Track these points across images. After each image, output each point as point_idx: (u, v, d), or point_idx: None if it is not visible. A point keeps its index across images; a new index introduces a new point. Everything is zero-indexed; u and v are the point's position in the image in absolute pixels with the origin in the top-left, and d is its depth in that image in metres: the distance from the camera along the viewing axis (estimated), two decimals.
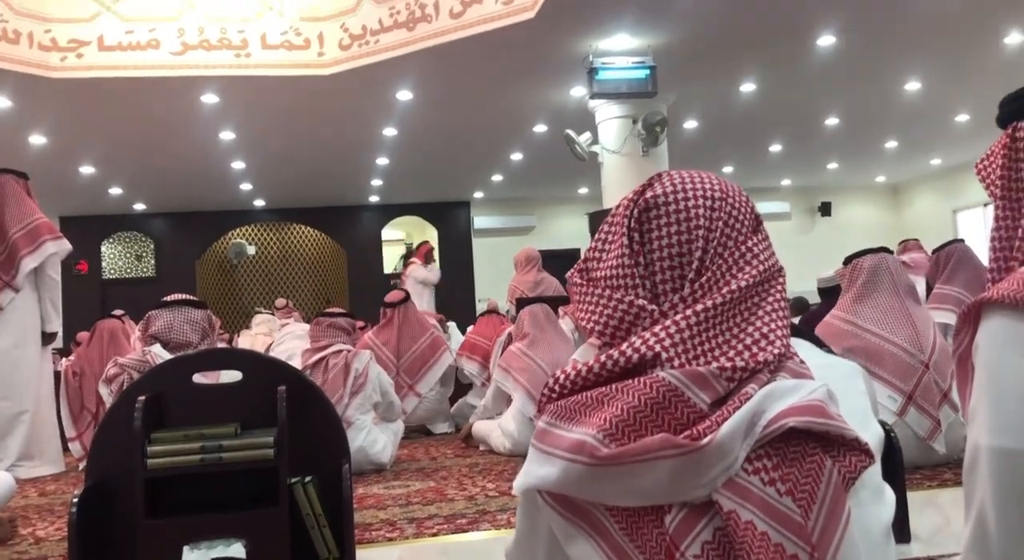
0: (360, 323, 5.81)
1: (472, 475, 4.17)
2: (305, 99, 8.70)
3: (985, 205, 14.00)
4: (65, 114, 8.73)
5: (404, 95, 8.79)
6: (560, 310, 5.89)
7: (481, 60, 7.84)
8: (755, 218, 1.08)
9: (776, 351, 0.98)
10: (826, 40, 7.82)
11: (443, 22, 7.42)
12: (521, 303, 5.57)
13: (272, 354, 5.87)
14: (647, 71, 7.63)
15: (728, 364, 0.95)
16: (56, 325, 5.29)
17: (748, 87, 9.25)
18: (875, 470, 0.97)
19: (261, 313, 9.66)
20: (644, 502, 0.92)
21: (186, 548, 2.20)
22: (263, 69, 8.07)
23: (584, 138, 8.51)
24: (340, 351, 4.50)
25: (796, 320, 5.65)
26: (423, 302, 8.86)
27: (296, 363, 4.51)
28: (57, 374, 5.58)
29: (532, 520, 1.06)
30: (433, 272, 9.20)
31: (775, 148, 12.64)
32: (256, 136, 10.06)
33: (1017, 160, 1.27)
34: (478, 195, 15.10)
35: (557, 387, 1.00)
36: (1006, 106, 1.32)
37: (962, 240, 5.03)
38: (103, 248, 14.65)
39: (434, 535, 2.99)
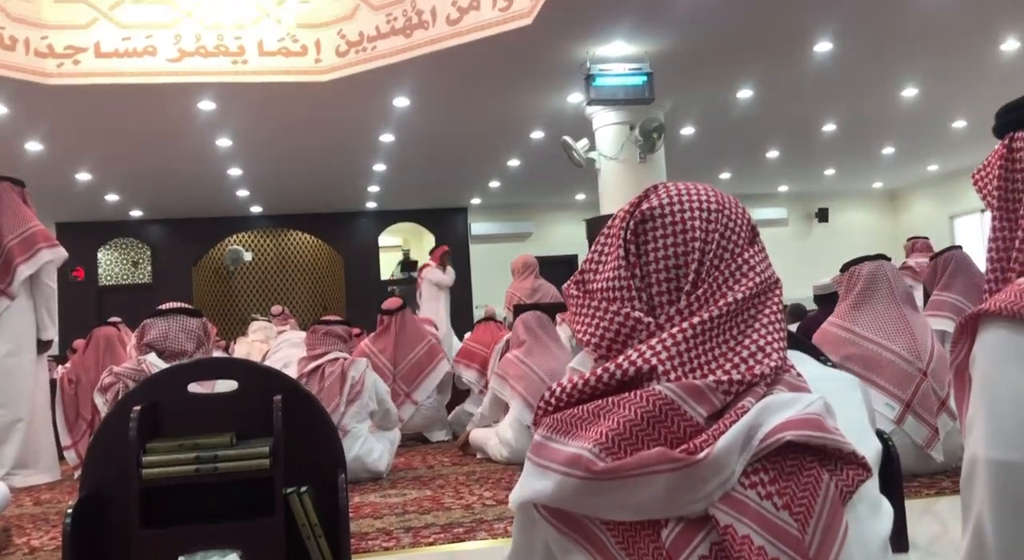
0: (356, 330, 5.80)
1: (469, 483, 4.15)
2: (302, 106, 8.70)
3: (982, 211, 14.02)
4: (61, 121, 8.72)
5: (401, 101, 8.80)
6: (558, 317, 5.88)
7: (478, 66, 7.85)
8: (751, 230, 1.08)
9: (773, 364, 0.97)
10: (823, 47, 7.84)
11: (440, 28, 7.43)
12: (519, 310, 5.56)
13: (268, 362, 5.87)
14: (644, 77, 7.64)
15: (724, 377, 0.94)
16: (52, 333, 5.28)
17: (745, 93, 9.27)
18: (872, 484, 0.96)
19: (258, 320, 9.66)
20: (640, 516, 0.91)
21: (181, 558, 2.19)
22: (260, 76, 8.08)
23: (581, 144, 8.52)
24: (336, 359, 4.49)
25: (794, 327, 5.67)
26: (439, 305, 8.73)
27: (292, 371, 4.49)
28: (53, 382, 5.56)
29: (528, 534, 1.05)
30: (449, 275, 9.08)
31: (772, 154, 12.66)
32: (253, 143, 10.06)
33: (1013, 171, 1.27)
34: (475, 201, 15.11)
35: (553, 400, 1.00)
36: (1002, 117, 1.32)
37: (959, 247, 5.04)
38: (99, 255, 14.64)
39: (431, 544, 2.98)
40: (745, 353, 0.98)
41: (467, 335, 6.73)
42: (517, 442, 4.59)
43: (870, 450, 0.98)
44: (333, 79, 8.07)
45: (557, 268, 11.62)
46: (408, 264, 15.43)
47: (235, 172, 11.53)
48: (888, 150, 12.89)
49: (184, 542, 2.22)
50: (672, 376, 0.95)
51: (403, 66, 7.78)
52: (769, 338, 0.99)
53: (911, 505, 2.79)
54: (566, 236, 14.94)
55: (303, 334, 5.64)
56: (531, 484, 0.96)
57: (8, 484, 4.05)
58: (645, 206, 1.06)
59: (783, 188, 15.65)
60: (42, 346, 5.24)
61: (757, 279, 1.03)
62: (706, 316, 0.98)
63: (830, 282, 6.67)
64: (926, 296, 4.88)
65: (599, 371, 0.97)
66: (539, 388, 4.56)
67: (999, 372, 1.07)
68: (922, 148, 12.85)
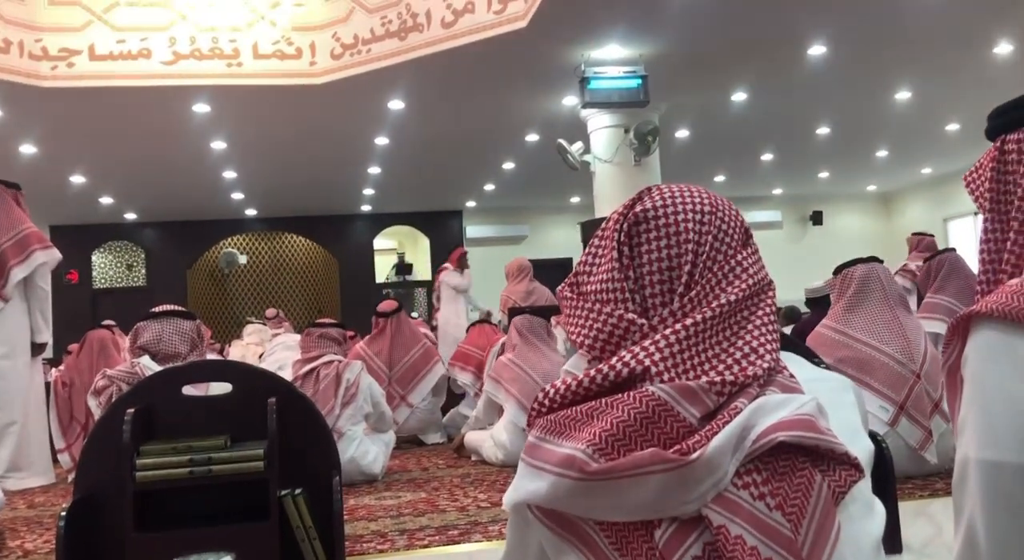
0: (350, 333, 5.79)
1: (464, 486, 4.15)
2: (297, 108, 8.70)
3: (975, 214, 14.05)
4: (55, 123, 8.71)
5: (396, 104, 8.80)
6: (553, 320, 5.88)
7: (473, 69, 7.86)
8: (744, 232, 1.08)
9: (765, 365, 0.97)
10: (817, 50, 7.86)
11: (435, 31, 7.43)
12: (513, 313, 5.56)
13: (263, 364, 5.87)
14: (639, 80, 7.66)
15: (718, 378, 0.94)
16: (46, 336, 5.27)
17: (740, 96, 9.29)
18: (865, 484, 0.96)
19: (253, 323, 9.64)
20: (634, 517, 0.92)
21: None
22: (255, 78, 8.08)
23: (576, 147, 8.52)
24: (331, 361, 4.49)
25: (788, 330, 5.67)
26: (458, 308, 8.63)
27: (287, 373, 4.49)
28: (47, 385, 5.55)
29: (522, 535, 1.06)
30: (467, 277, 8.97)
31: (766, 157, 12.69)
32: (248, 145, 10.05)
33: (1005, 172, 1.28)
34: (470, 204, 15.11)
35: (547, 401, 1.00)
36: (994, 119, 1.33)
37: (953, 249, 5.05)
38: (94, 257, 14.61)
39: (425, 547, 2.98)
40: (738, 354, 0.98)
41: (462, 338, 6.73)
42: (512, 444, 4.59)
43: (863, 451, 0.98)
44: (328, 82, 8.07)
45: (552, 271, 11.62)
46: (403, 267, 15.43)
47: (230, 175, 11.52)
48: (882, 153, 12.93)
49: (178, 545, 2.21)
50: (665, 377, 0.95)
51: (398, 69, 7.79)
52: (762, 339, 1.00)
53: (905, 507, 2.79)
54: (561, 239, 14.94)
55: (298, 337, 5.64)
56: (525, 485, 0.97)
57: (2, 487, 4.04)
58: (639, 208, 1.07)
59: (777, 191, 15.68)
60: (36, 349, 5.22)
61: (750, 281, 1.03)
62: (699, 318, 0.99)
63: (823, 285, 6.68)
64: (920, 298, 4.89)
65: (592, 372, 0.97)
66: (533, 390, 4.56)
67: (990, 373, 1.08)
68: (916, 151, 12.89)
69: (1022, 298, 1.07)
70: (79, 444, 5.04)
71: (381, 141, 10.19)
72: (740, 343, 0.99)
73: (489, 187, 13.59)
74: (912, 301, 5.61)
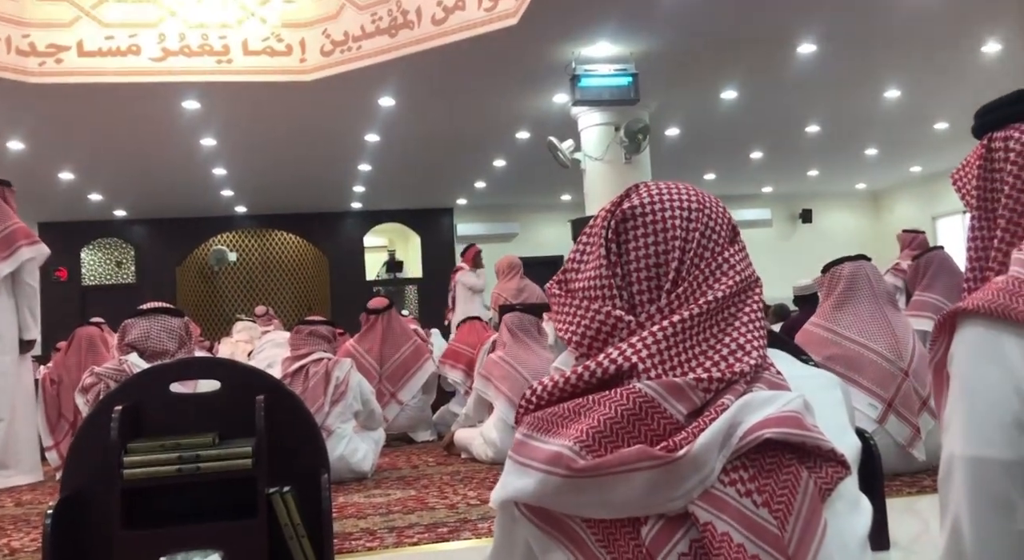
0: (339, 330, 5.78)
1: (454, 483, 4.15)
2: (287, 105, 8.67)
3: (964, 212, 14.11)
4: (43, 120, 8.66)
5: (386, 101, 8.78)
6: (544, 316, 5.88)
7: (464, 66, 7.84)
8: (732, 229, 1.09)
9: (752, 362, 0.98)
10: (807, 48, 7.87)
11: (425, 28, 7.42)
12: (504, 310, 5.56)
13: (252, 362, 5.85)
14: (629, 78, 7.66)
15: (704, 375, 0.94)
16: (34, 333, 5.24)
17: (729, 95, 9.30)
18: (852, 481, 0.96)
19: (242, 320, 9.61)
20: (621, 514, 0.92)
21: (163, 559, 2.18)
22: (245, 75, 8.04)
23: (567, 145, 8.52)
24: (321, 359, 4.48)
25: (777, 327, 5.69)
26: (473, 308, 8.52)
27: (276, 371, 4.48)
28: (35, 382, 5.52)
29: (509, 532, 1.05)
30: (482, 277, 8.82)
31: (756, 155, 12.71)
32: (237, 142, 10.01)
33: (992, 170, 1.28)
34: (461, 202, 15.10)
35: (534, 399, 1.00)
36: (981, 117, 1.33)
37: (941, 247, 5.07)
38: (83, 255, 14.54)
39: (415, 544, 2.98)
40: (725, 351, 0.98)
41: (452, 336, 6.72)
42: (502, 442, 4.59)
43: (849, 448, 0.98)
44: (318, 79, 8.04)
45: (542, 269, 11.60)
46: (394, 264, 15.40)
47: (219, 172, 11.48)
48: (871, 151, 12.96)
49: (166, 543, 2.20)
50: (652, 374, 0.95)
51: (388, 66, 7.77)
52: (749, 336, 1.00)
53: (893, 503, 2.81)
54: (551, 237, 14.94)
55: (287, 334, 5.62)
56: (512, 482, 0.96)
57: None
58: (626, 205, 1.07)
59: (767, 189, 15.71)
60: (24, 346, 5.20)
61: (737, 278, 1.03)
62: (686, 314, 0.99)
63: (811, 283, 6.70)
64: (908, 296, 4.91)
65: (580, 369, 0.97)
66: (523, 388, 4.55)
67: (976, 370, 1.08)
68: (905, 149, 12.93)
69: (1008, 295, 1.08)
70: (67, 442, 5.02)
71: (372, 138, 10.17)
72: (727, 340, 0.99)
73: (480, 185, 13.58)
74: (904, 299, 5.63)
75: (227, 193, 12.91)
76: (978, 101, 1.37)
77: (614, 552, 0.92)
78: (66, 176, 11.09)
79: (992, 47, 8.15)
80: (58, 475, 4.77)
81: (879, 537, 2.51)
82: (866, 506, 0.99)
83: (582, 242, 1.11)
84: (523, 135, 10.35)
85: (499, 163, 12.04)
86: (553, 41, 7.35)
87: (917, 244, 6.82)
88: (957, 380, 1.11)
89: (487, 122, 9.73)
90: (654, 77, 7.92)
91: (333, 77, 8.00)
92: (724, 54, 7.92)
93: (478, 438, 4.83)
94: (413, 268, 15.60)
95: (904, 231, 7.21)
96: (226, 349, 8.32)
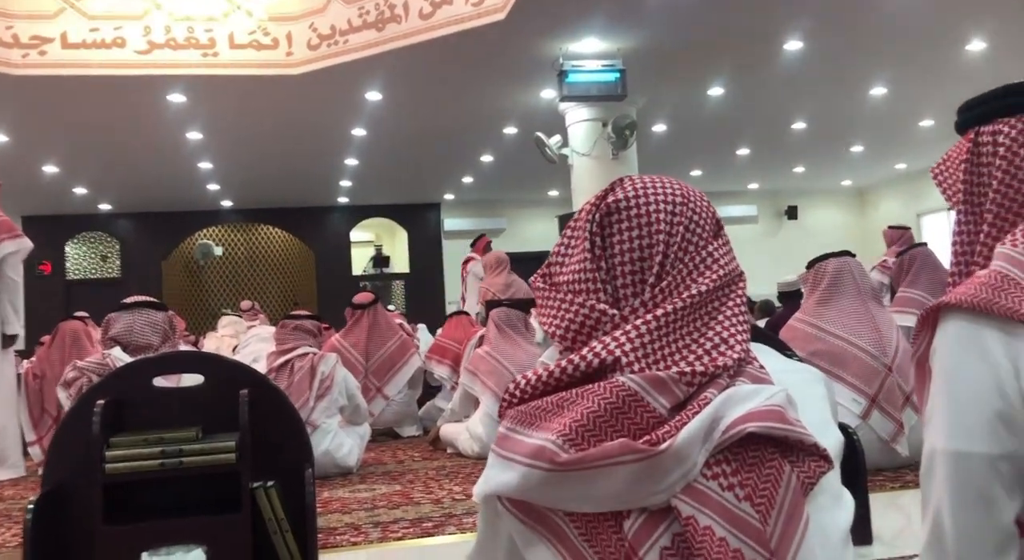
0: (325, 325, 5.76)
1: (439, 478, 4.15)
2: (273, 99, 8.63)
3: (948, 209, 14.17)
4: (27, 112, 8.59)
5: (373, 96, 8.75)
6: (532, 311, 5.89)
7: (451, 61, 7.83)
8: (716, 223, 1.09)
9: (735, 355, 0.98)
10: (793, 45, 7.89)
11: (413, 23, 7.39)
12: (491, 305, 5.56)
13: (238, 357, 5.82)
14: (617, 74, 7.66)
15: (688, 369, 0.94)
16: (17, 327, 5.20)
17: (716, 91, 9.32)
18: (834, 475, 0.97)
19: (228, 315, 9.56)
20: (603, 508, 0.92)
21: (145, 554, 2.17)
22: (231, 69, 8.00)
23: (554, 141, 8.52)
24: (306, 354, 4.47)
25: (762, 323, 5.71)
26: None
27: (261, 366, 4.46)
28: (18, 377, 5.48)
29: (492, 526, 1.05)
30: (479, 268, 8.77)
31: (743, 152, 12.74)
32: (224, 136, 9.96)
33: (979, 164, 1.28)
34: (448, 197, 15.07)
35: (518, 392, 1.00)
36: (965, 112, 1.33)
37: (925, 244, 5.10)
38: (67, 248, 14.44)
39: (399, 539, 2.97)
40: (708, 345, 0.98)
41: (439, 331, 6.71)
42: (488, 437, 4.59)
43: (832, 442, 0.98)
44: (305, 73, 8.01)
45: (530, 264, 11.58)
46: (380, 259, 15.36)
47: (205, 166, 11.41)
48: (857, 148, 13.01)
49: (148, 538, 2.19)
50: (636, 368, 0.95)
51: (375, 60, 7.74)
52: (732, 330, 1.00)
53: (876, 498, 2.82)
54: (538, 232, 14.93)
55: (273, 329, 5.60)
56: (495, 476, 0.96)
57: None
58: (611, 199, 1.07)
59: (753, 186, 15.75)
60: (7, 341, 5.16)
61: (721, 272, 1.03)
62: (670, 308, 0.99)
63: (795, 279, 6.73)
64: (892, 292, 4.94)
65: (563, 363, 0.97)
66: (509, 383, 4.56)
67: (959, 364, 1.09)
68: (890, 147, 12.98)
69: (990, 289, 1.08)
70: (50, 437, 4.97)
71: (358, 132, 10.14)
72: (710, 334, 0.99)
73: (467, 180, 13.56)
74: (890, 296, 5.66)
75: (213, 187, 12.84)
76: (963, 99, 1.37)
77: (596, 546, 0.92)
78: (50, 169, 11.00)
79: (977, 45, 8.20)
80: (40, 470, 4.74)
81: (862, 532, 2.53)
82: (848, 500, 0.99)
83: (566, 236, 1.11)
84: (510, 130, 10.34)
85: (486, 158, 12.02)
86: (541, 36, 7.34)
87: (903, 241, 6.85)
88: (940, 374, 1.11)
89: (474, 117, 9.71)
90: (641, 73, 7.92)
91: (320, 71, 7.96)
92: (711, 51, 7.93)
93: (464, 433, 4.83)
94: (400, 263, 15.57)
95: (890, 227, 7.24)
96: (211, 344, 8.28)
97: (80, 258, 14.65)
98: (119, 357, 3.52)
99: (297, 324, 4.59)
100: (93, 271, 14.66)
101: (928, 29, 7.66)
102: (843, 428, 1.10)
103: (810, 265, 3.95)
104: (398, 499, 3.66)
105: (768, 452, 0.92)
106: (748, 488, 0.89)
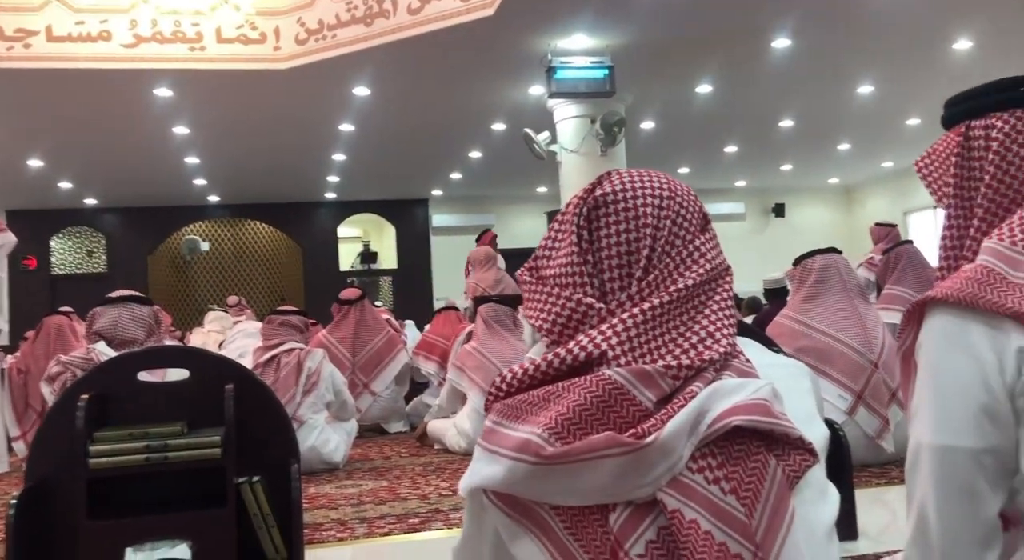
0: (311, 321, 5.74)
1: (426, 474, 4.14)
2: (261, 94, 8.59)
3: (934, 207, 14.25)
4: (11, 105, 8.52)
5: (361, 91, 8.72)
6: (520, 309, 5.88)
7: (439, 57, 7.80)
8: (703, 217, 1.09)
9: (721, 349, 0.98)
10: (781, 43, 7.91)
11: (401, 18, 7.37)
12: (479, 301, 5.55)
13: (224, 352, 5.80)
14: (605, 71, 7.65)
15: (674, 362, 0.94)
16: (1, 322, 5.16)
17: (704, 89, 9.33)
18: (820, 469, 0.97)
19: (214, 310, 9.52)
20: (589, 501, 0.92)
21: (129, 550, 2.15)
22: (218, 63, 7.95)
23: (543, 137, 8.51)
24: (292, 349, 4.45)
25: (749, 320, 5.72)
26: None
27: (248, 361, 4.45)
28: (1, 371, 5.44)
29: (478, 520, 1.05)
30: (500, 262, 8.75)
31: (730, 149, 12.76)
32: (210, 131, 9.91)
33: (970, 159, 1.27)
34: (436, 193, 15.04)
35: (504, 386, 1.00)
36: (957, 105, 1.32)
37: (910, 241, 5.13)
38: (52, 243, 14.34)
39: (386, 535, 2.97)
40: (695, 338, 0.98)
41: (427, 327, 6.69)
42: (475, 433, 4.58)
43: (817, 436, 0.98)
44: (292, 67, 7.97)
45: (517, 261, 11.57)
46: (368, 255, 15.33)
47: (192, 160, 11.35)
48: (844, 146, 13.06)
49: (133, 533, 2.18)
50: (622, 361, 0.95)
51: (363, 55, 7.71)
52: (719, 324, 1.00)
53: (861, 494, 2.83)
54: (527, 229, 14.92)
55: (259, 324, 5.58)
56: (481, 470, 0.96)
57: None
58: (598, 192, 1.07)
59: (740, 183, 15.79)
60: None
61: (708, 266, 1.03)
62: (656, 302, 0.99)
63: (780, 276, 6.75)
64: (878, 290, 4.96)
65: (550, 356, 0.97)
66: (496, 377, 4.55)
67: (944, 358, 1.09)
68: (877, 145, 13.03)
69: (976, 284, 1.08)
70: (34, 432, 4.95)
71: (346, 128, 10.11)
72: (697, 327, 0.99)
73: (455, 176, 13.54)
74: (876, 293, 5.69)
75: (200, 182, 12.78)
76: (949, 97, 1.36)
77: (582, 539, 0.92)
78: (35, 163, 10.92)
79: (963, 44, 8.24)
80: (25, 466, 4.71)
81: (847, 527, 2.54)
82: (834, 494, 0.99)
83: (554, 229, 1.11)
84: (499, 126, 10.32)
85: (475, 154, 12.00)
86: (529, 32, 7.33)
87: (890, 238, 6.87)
88: (925, 369, 1.11)
89: (463, 113, 9.69)
90: (630, 70, 7.92)
91: (307, 66, 7.93)
92: (699, 48, 7.93)
93: (451, 429, 4.82)
94: (387, 259, 15.53)
95: (876, 225, 7.26)
96: (197, 339, 8.24)
97: (65, 253, 14.56)
98: (104, 352, 3.50)
99: (284, 319, 4.57)
100: (78, 266, 14.57)
101: (915, 28, 7.70)
102: (829, 424, 1.10)
103: (797, 262, 3.96)
104: (385, 495, 3.65)
105: (754, 446, 0.92)
106: (734, 481, 0.89)
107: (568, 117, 8.51)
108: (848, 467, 2.71)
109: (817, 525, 0.94)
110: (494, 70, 8.22)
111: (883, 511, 2.95)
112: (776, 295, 6.75)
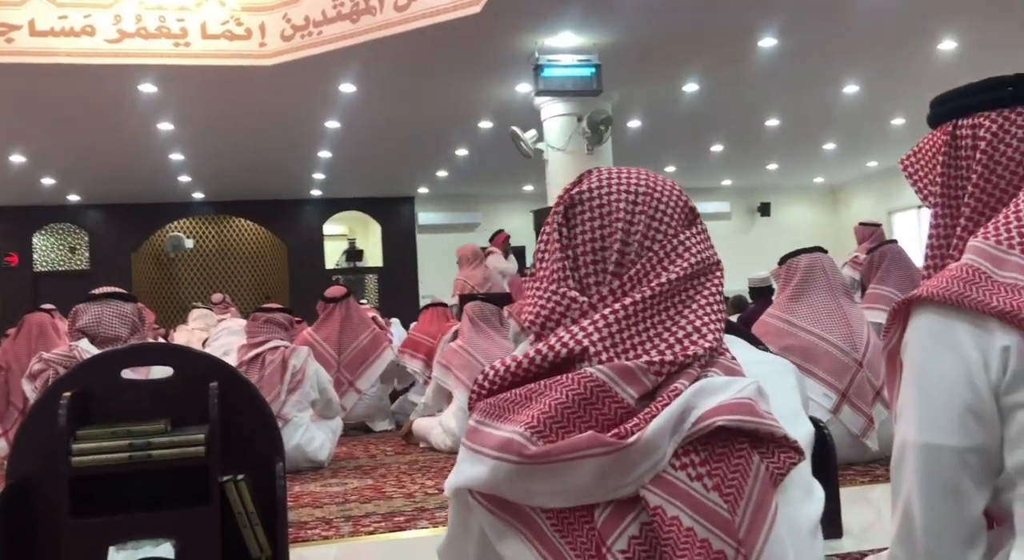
0: (296, 319, 5.72)
1: (411, 472, 4.14)
2: (246, 90, 8.55)
3: (919, 207, 14.34)
4: None
5: (347, 88, 8.69)
6: (505, 310, 5.87)
7: (426, 54, 7.79)
8: (690, 212, 1.09)
9: (707, 345, 0.97)
10: (768, 42, 7.93)
11: (387, 15, 7.35)
12: (465, 299, 5.55)
13: (208, 350, 5.77)
14: (592, 69, 7.66)
15: (657, 358, 0.94)
16: None
17: (691, 87, 9.35)
18: (804, 467, 0.97)
19: (198, 308, 9.48)
20: (572, 502, 0.91)
21: (112, 548, 2.14)
22: (203, 59, 7.90)
23: (529, 135, 8.51)
24: (277, 347, 4.43)
25: (735, 318, 5.74)
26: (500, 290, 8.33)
27: (232, 359, 4.42)
28: None
29: (463, 519, 1.05)
30: (512, 262, 8.67)
31: (716, 148, 12.80)
32: (195, 127, 9.86)
33: (957, 158, 1.27)
34: (422, 191, 15.02)
35: (487, 384, 1.00)
36: (943, 104, 1.31)
37: (895, 241, 5.15)
38: (35, 240, 14.24)
39: (371, 533, 2.96)
40: (680, 333, 0.98)
41: (412, 325, 6.68)
42: (461, 431, 4.55)
43: (802, 433, 0.98)
44: (278, 64, 7.93)
45: None
46: (353, 253, 15.29)
47: (177, 157, 11.29)
48: (829, 146, 13.12)
49: (115, 532, 2.16)
50: (604, 357, 0.95)
51: (349, 52, 7.69)
52: (706, 319, 1.00)
53: (846, 492, 2.84)
54: (514, 227, 14.87)
55: (244, 322, 5.55)
56: (465, 470, 0.96)
57: None
58: (575, 190, 1.09)
59: (726, 182, 15.84)
60: None
61: (693, 260, 1.03)
62: (638, 297, 0.99)
63: (766, 275, 6.77)
64: (863, 289, 4.97)
65: (532, 353, 0.97)
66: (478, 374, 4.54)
67: (930, 357, 1.09)
68: (862, 144, 13.10)
69: (962, 283, 1.08)
70: (16, 430, 4.91)
71: (332, 125, 10.07)
72: (683, 322, 0.99)
73: (442, 174, 13.52)
74: (860, 292, 5.71)
75: (184, 179, 12.71)
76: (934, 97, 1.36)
77: (569, 537, 0.92)
78: (17, 159, 10.84)
79: (948, 45, 8.29)
80: (5, 463, 4.67)
81: (832, 525, 2.54)
82: (819, 493, 0.99)
83: (545, 232, 1.12)
84: (486, 124, 10.32)
85: (461, 152, 11.99)
86: (516, 30, 7.33)
87: (874, 237, 6.90)
88: (910, 367, 1.11)
89: (449, 110, 9.68)
90: (617, 69, 7.93)
91: (293, 62, 7.89)
92: (686, 47, 7.95)
93: (437, 427, 4.81)
94: (373, 257, 15.50)
95: (861, 224, 7.29)
96: (181, 337, 8.20)
97: (48, 250, 14.46)
98: (86, 349, 3.47)
99: (268, 317, 4.55)
100: (61, 263, 14.48)
101: (900, 28, 7.74)
102: (814, 422, 1.10)
103: (782, 261, 3.97)
104: (370, 493, 3.64)
105: (738, 443, 0.92)
106: (716, 478, 0.89)
107: (555, 115, 8.52)
108: (833, 465, 2.72)
109: (802, 522, 0.94)
110: (481, 68, 8.21)
111: (868, 509, 2.96)
112: (761, 294, 6.78)
